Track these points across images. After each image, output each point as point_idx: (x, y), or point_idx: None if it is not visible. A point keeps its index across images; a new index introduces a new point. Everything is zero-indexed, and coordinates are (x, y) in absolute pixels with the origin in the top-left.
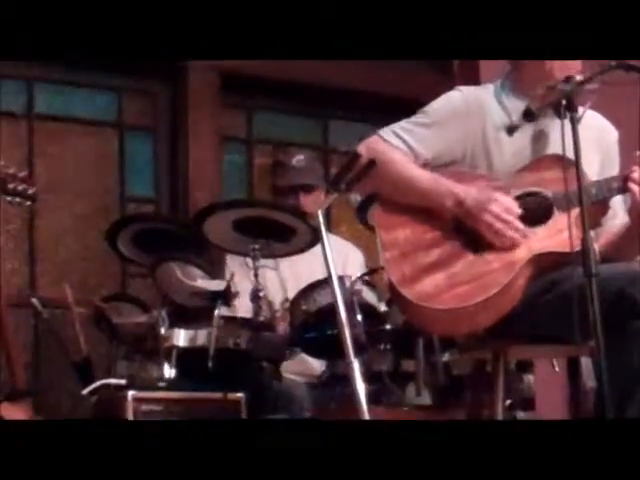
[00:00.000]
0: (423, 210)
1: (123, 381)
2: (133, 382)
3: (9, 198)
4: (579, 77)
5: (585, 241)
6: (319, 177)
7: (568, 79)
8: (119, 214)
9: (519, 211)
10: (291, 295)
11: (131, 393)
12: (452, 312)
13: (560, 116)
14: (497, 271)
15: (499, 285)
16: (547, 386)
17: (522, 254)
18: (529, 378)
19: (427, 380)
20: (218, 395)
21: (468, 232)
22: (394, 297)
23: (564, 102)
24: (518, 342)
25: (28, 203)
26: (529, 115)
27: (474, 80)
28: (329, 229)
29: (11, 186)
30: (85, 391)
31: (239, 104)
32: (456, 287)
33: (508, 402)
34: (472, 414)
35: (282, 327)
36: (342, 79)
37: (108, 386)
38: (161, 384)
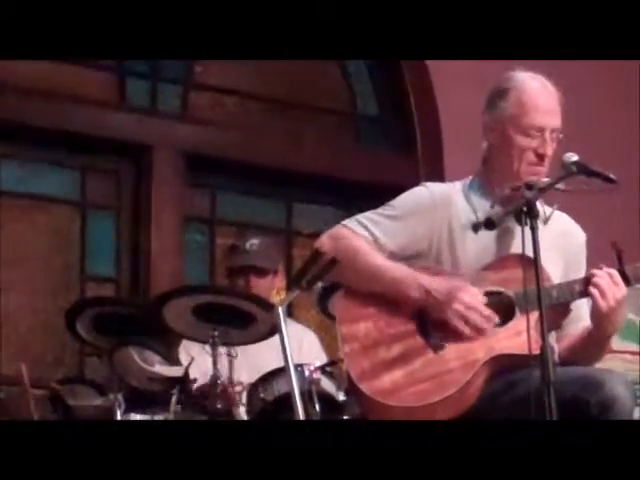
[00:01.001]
0: (385, 303)
1: None
2: None
3: None
4: (542, 183)
5: (544, 349)
6: (273, 262)
7: (530, 186)
8: (79, 292)
9: (485, 301)
10: (245, 381)
11: None
12: (410, 410)
13: (521, 223)
14: (456, 370)
15: (457, 385)
16: None
17: (481, 354)
18: None
19: None
20: None
21: (430, 327)
22: (352, 391)
23: (525, 209)
24: None
25: None
26: (490, 224)
27: (438, 165)
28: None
29: None
30: None
31: (203, 184)
32: (415, 385)
33: None
34: None
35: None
36: (306, 162)
37: None
38: None
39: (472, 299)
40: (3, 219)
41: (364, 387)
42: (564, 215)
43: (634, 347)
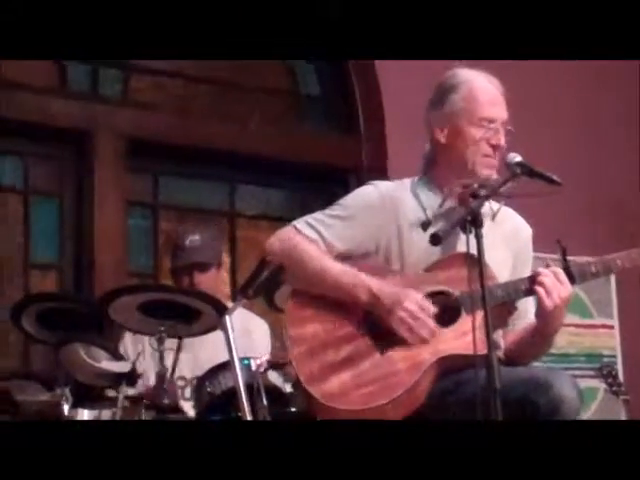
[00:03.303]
0: (333, 305)
1: None
2: None
3: None
4: (486, 190)
5: (489, 355)
6: (214, 254)
7: (475, 195)
8: (23, 281)
9: (432, 309)
10: (190, 376)
11: None
12: (358, 413)
13: (466, 232)
14: (403, 372)
15: (405, 386)
16: None
17: (428, 355)
18: None
19: None
20: None
21: (377, 329)
22: (302, 393)
23: (469, 218)
24: None
25: None
26: (436, 239)
27: (381, 145)
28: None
29: None
30: None
31: (145, 169)
32: (362, 387)
33: None
34: None
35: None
36: (249, 144)
37: None
38: None
39: (416, 308)
40: None
41: (313, 390)
42: (510, 210)
43: (578, 320)
